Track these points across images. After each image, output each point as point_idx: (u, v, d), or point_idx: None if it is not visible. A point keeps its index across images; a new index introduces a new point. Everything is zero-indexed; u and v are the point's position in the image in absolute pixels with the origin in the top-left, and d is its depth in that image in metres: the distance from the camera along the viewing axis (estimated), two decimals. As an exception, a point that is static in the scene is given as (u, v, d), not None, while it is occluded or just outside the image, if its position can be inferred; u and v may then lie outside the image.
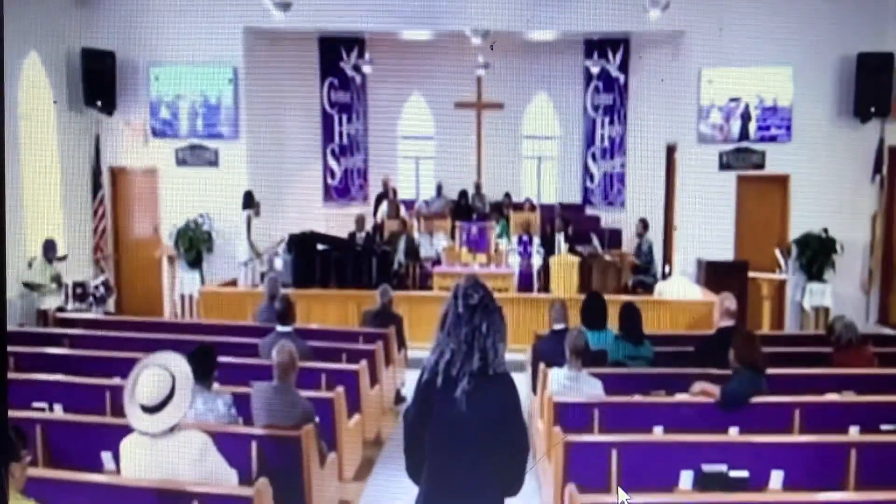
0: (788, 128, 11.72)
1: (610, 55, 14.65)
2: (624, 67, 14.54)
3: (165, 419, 4.02)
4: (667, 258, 12.87)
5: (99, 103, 11.88)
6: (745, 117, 11.79)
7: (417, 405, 3.26)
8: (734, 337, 5.76)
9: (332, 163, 15.01)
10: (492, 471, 3.21)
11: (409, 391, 8.16)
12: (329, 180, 15.03)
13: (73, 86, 11.72)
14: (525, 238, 12.95)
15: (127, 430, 4.19)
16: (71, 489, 4.19)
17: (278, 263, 11.37)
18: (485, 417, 3.14)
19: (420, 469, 3.27)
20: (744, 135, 11.84)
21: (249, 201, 11.58)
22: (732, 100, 11.83)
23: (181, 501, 4.07)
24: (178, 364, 4.17)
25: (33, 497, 3.35)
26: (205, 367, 5.01)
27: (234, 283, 11.77)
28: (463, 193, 15.32)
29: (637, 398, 6.00)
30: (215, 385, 5.36)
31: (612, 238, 13.75)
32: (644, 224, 12.30)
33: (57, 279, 10.27)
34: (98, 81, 11.82)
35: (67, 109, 11.70)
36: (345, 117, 15.07)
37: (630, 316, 6.88)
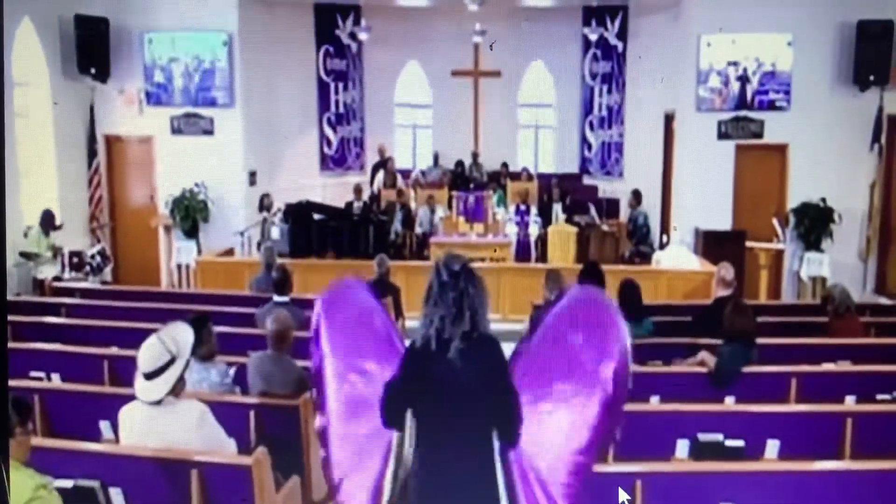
0: (787, 92, 11.62)
1: (608, 22, 14.55)
2: (622, 35, 14.44)
3: (156, 388, 4.04)
4: (664, 228, 12.85)
5: (93, 71, 11.76)
6: (744, 80, 11.70)
7: (408, 372, 3.36)
8: (725, 308, 5.77)
9: (328, 131, 14.93)
10: (486, 427, 3.35)
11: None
12: (325, 149, 14.96)
13: (67, 53, 11.59)
14: (522, 208, 12.94)
15: (125, 398, 4.22)
16: (69, 458, 4.20)
17: (275, 233, 11.34)
18: (478, 375, 3.27)
19: (399, 418, 3.41)
20: (742, 100, 11.75)
21: None
22: (731, 63, 11.72)
23: (180, 470, 4.10)
24: (181, 334, 4.19)
25: (32, 466, 3.36)
26: (198, 337, 4.99)
27: (230, 252, 11.75)
28: (460, 163, 15.27)
29: (633, 367, 6.00)
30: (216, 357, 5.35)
31: (610, 208, 13.72)
32: (637, 196, 12.26)
33: (54, 250, 10.25)
34: (92, 49, 11.69)
35: (62, 77, 11.57)
36: (341, 85, 14.97)
37: (630, 294, 6.77)
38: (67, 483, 4.02)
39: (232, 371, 5.38)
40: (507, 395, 3.34)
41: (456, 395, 3.28)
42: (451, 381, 3.26)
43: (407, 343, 3.51)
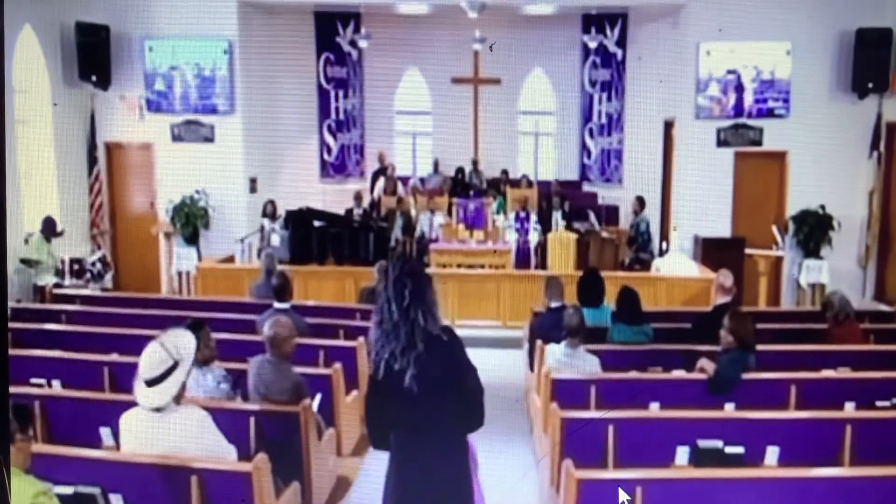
0: (786, 101, 11.65)
1: (608, 30, 14.58)
2: (622, 42, 14.47)
3: (158, 394, 4.04)
4: (663, 235, 12.87)
5: (94, 78, 11.77)
6: (743, 89, 11.73)
7: (373, 393, 3.43)
8: (727, 315, 5.77)
9: (328, 138, 14.95)
10: (453, 428, 3.40)
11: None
12: (325, 156, 14.98)
13: (68, 60, 11.61)
14: (522, 215, 12.94)
15: (125, 405, 4.22)
16: (70, 464, 4.20)
17: (275, 240, 11.35)
18: (435, 383, 3.31)
19: (383, 436, 3.45)
20: (741, 108, 11.77)
21: None
22: (730, 72, 11.75)
23: (180, 476, 4.10)
24: (183, 339, 4.19)
25: (32, 473, 3.37)
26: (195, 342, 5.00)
27: (231, 259, 11.76)
28: (460, 170, 15.29)
29: (634, 374, 6.03)
30: (215, 363, 5.36)
31: (610, 214, 13.76)
32: (640, 202, 12.29)
33: (55, 258, 10.27)
34: (92, 55, 11.71)
35: (62, 84, 11.59)
36: (341, 93, 15.00)
37: (629, 300, 6.82)
38: (68, 490, 4.03)
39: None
40: (466, 378, 3.40)
41: (420, 405, 3.32)
42: (409, 399, 3.29)
43: None
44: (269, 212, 11.96)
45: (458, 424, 3.42)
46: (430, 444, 3.35)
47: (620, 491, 3.92)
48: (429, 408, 3.31)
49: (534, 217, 13.03)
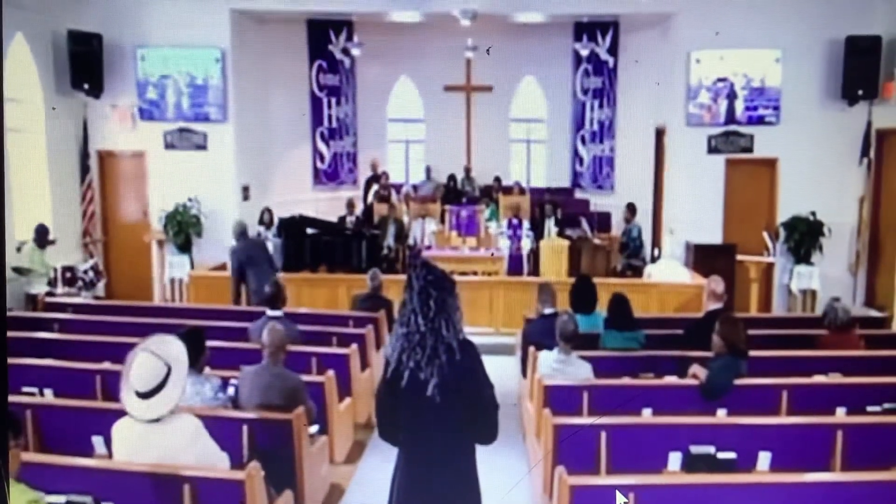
0: (776, 108, 11.71)
1: (599, 38, 14.63)
2: (613, 50, 14.52)
3: (158, 405, 4.02)
4: (655, 241, 12.91)
5: (86, 86, 11.76)
6: (733, 97, 11.79)
7: (388, 392, 3.42)
8: (718, 321, 5.79)
9: (321, 146, 14.96)
10: (464, 435, 3.41)
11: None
12: (318, 164, 14.99)
13: (60, 69, 11.60)
14: (515, 222, 12.97)
15: (117, 414, 4.21)
16: (62, 473, 4.19)
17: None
18: (454, 393, 3.32)
19: (393, 433, 3.46)
20: (731, 115, 11.83)
21: None
22: (720, 79, 11.82)
23: (173, 485, 4.09)
24: (174, 348, 4.17)
25: (24, 481, 3.36)
26: (193, 351, 4.99)
27: (223, 267, 11.73)
28: (452, 177, 15.31)
29: (626, 381, 6.04)
30: (206, 369, 5.36)
31: (602, 221, 13.80)
32: (631, 209, 12.33)
33: (47, 266, 10.25)
34: (85, 64, 11.69)
35: (55, 92, 11.57)
36: (334, 100, 15.01)
37: (621, 306, 6.86)
38: (60, 498, 4.02)
39: (231, 389, 5.38)
40: (483, 391, 3.40)
41: (431, 417, 3.33)
42: (426, 408, 3.31)
43: None
44: (266, 220, 11.97)
45: (471, 435, 3.43)
46: (442, 447, 3.37)
47: (618, 494, 3.94)
48: (445, 414, 3.32)
49: (526, 224, 13.07)
